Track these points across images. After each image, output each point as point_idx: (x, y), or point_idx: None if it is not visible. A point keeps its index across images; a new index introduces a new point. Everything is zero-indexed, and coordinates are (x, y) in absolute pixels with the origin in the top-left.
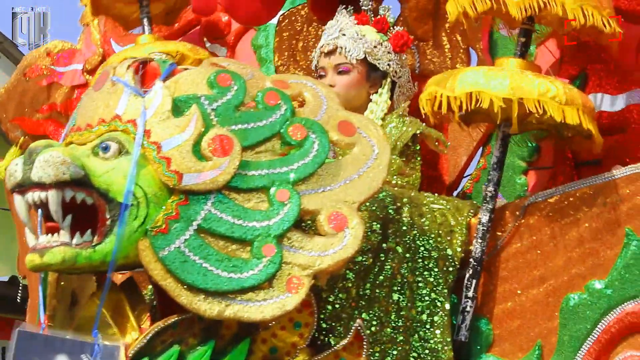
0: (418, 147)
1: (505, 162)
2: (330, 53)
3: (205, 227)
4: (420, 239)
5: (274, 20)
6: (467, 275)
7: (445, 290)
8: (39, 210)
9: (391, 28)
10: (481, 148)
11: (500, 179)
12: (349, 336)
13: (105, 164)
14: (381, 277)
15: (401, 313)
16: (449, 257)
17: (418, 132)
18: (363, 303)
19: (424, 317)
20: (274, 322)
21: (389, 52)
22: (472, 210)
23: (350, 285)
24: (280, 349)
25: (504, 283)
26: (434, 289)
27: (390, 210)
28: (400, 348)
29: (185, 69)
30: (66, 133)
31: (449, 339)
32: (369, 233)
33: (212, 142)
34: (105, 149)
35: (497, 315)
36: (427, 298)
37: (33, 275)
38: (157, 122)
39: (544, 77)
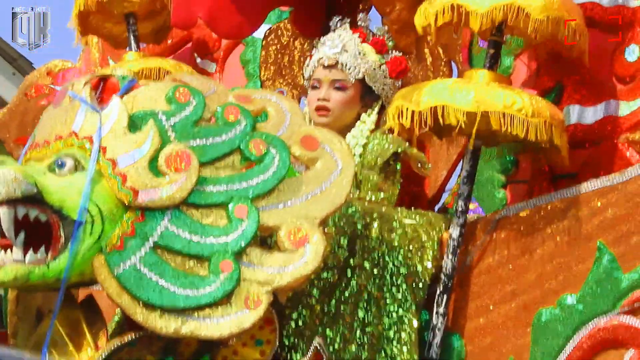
0: (398, 166)
1: (484, 176)
2: (330, 67)
3: (162, 244)
4: (389, 254)
5: (262, 35)
6: (438, 291)
7: (414, 307)
8: None
9: (390, 51)
10: (461, 162)
11: (470, 193)
12: (308, 355)
13: (60, 180)
14: (347, 294)
15: (367, 330)
16: (419, 273)
17: (399, 150)
18: (327, 320)
19: (391, 333)
20: (234, 339)
21: (385, 77)
22: (445, 225)
23: (314, 302)
24: None
25: (476, 299)
26: (402, 305)
27: (358, 226)
28: None
29: (147, 85)
30: (26, 150)
31: (415, 357)
32: (336, 249)
33: (169, 158)
34: (61, 165)
35: (469, 332)
36: (394, 315)
37: None
38: (113, 138)
39: (511, 89)
